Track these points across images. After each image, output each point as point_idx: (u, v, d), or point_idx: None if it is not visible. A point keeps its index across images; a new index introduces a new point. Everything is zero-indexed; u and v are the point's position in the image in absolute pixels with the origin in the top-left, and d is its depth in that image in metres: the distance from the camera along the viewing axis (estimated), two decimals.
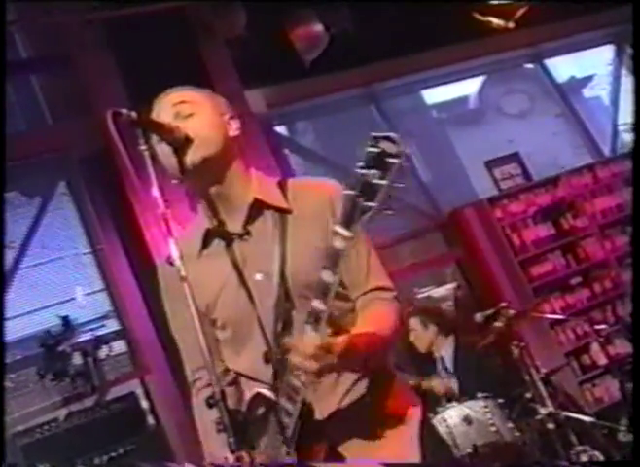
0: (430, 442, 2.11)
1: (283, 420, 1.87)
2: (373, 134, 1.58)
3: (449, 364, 5.00)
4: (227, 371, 2.11)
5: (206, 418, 2.01)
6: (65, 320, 5.10)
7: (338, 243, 1.66)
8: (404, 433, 2.04)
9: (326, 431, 1.94)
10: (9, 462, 4.44)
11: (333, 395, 1.99)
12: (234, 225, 2.05)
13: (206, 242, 2.07)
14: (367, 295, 2.05)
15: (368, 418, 2.01)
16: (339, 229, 1.65)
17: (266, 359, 1.95)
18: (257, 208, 2.03)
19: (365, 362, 1.93)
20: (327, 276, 1.70)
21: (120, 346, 5.45)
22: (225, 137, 2.04)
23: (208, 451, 2.09)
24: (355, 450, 1.98)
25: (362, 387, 2.02)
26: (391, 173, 1.56)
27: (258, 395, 1.95)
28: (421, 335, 5.16)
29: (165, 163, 2.00)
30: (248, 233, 2.03)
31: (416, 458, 2.01)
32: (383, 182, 1.57)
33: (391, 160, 1.56)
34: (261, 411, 1.94)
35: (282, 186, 2.10)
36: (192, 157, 1.96)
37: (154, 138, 1.98)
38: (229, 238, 2.04)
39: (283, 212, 2.03)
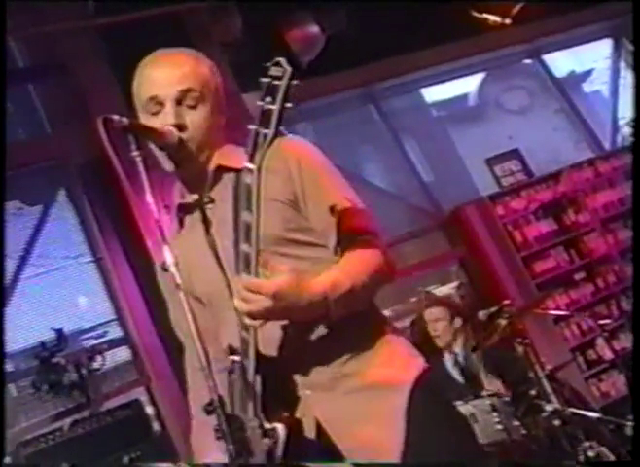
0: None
1: (245, 378, 1.82)
2: (266, 64, 1.62)
3: (462, 361, 4.94)
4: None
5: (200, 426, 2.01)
6: (59, 332, 5.10)
7: (247, 178, 1.66)
8: (388, 401, 1.87)
9: (294, 388, 1.87)
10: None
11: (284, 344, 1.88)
12: (199, 194, 2.01)
13: (181, 221, 2.05)
14: (342, 243, 1.91)
15: (345, 381, 1.88)
16: (246, 164, 1.65)
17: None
18: (219, 174, 1.99)
19: (323, 309, 1.77)
20: (245, 216, 1.68)
21: (123, 354, 5.44)
22: (218, 128, 2.03)
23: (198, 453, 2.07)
24: (336, 421, 1.87)
25: (327, 333, 1.87)
26: (278, 96, 1.59)
27: (233, 363, 1.89)
28: (447, 327, 5.03)
29: (159, 158, 1.98)
30: (212, 201, 1.99)
31: (396, 435, 1.84)
32: (274, 106, 1.59)
33: (277, 82, 1.59)
34: (233, 378, 1.88)
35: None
36: (184, 153, 1.95)
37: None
38: (195, 209, 2.01)
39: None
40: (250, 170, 1.65)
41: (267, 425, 1.81)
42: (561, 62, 8.21)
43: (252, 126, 1.63)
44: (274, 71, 1.60)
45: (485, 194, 6.77)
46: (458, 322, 5.06)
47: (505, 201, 6.67)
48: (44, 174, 5.67)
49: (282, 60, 1.60)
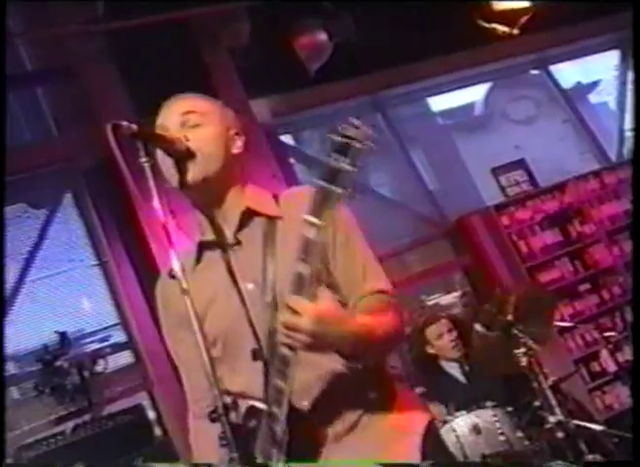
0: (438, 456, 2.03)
1: (273, 427, 1.83)
2: (341, 125, 1.60)
3: (469, 372, 4.91)
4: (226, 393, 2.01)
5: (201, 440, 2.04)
6: (63, 335, 5.10)
7: (310, 233, 1.65)
8: (403, 443, 1.96)
9: (318, 436, 1.90)
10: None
11: (312, 393, 1.92)
12: (226, 236, 2.02)
13: (199, 256, 2.05)
14: (364, 300, 1.96)
15: (363, 426, 1.95)
16: (309, 217, 1.64)
17: (255, 356, 1.90)
18: (248, 217, 2.01)
19: (351, 348, 1.79)
20: (302, 268, 1.67)
21: (126, 358, 5.44)
22: (227, 154, 2.02)
23: None
24: (351, 458, 1.92)
25: (340, 387, 1.92)
26: (352, 157, 1.57)
27: (251, 408, 1.92)
28: (451, 340, 4.90)
29: (166, 174, 1.99)
30: (238, 242, 2.01)
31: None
32: (346, 166, 1.58)
33: (352, 143, 1.58)
34: (254, 423, 1.91)
35: (276, 196, 2.09)
36: (193, 174, 1.95)
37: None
38: (220, 249, 2.02)
39: (273, 219, 2.00)
40: (314, 225, 1.64)
41: None
42: (568, 73, 8.21)
43: (321, 182, 1.61)
44: (350, 131, 1.59)
45: (491, 203, 6.76)
46: (457, 333, 5.04)
47: (510, 211, 6.66)
48: (50, 178, 5.67)
49: (357, 122, 1.59)
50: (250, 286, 1.95)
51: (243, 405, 1.97)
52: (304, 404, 1.90)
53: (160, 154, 1.96)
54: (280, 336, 1.73)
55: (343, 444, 1.93)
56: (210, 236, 2.04)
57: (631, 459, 3.25)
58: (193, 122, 2.00)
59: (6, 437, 4.67)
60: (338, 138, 1.59)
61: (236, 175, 2.06)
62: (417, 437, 1.97)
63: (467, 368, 4.85)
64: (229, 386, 1.96)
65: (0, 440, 4.51)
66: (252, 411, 1.92)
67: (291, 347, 1.74)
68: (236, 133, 2.08)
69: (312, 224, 1.64)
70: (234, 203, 2.02)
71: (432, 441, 2.00)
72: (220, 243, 2.02)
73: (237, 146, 2.07)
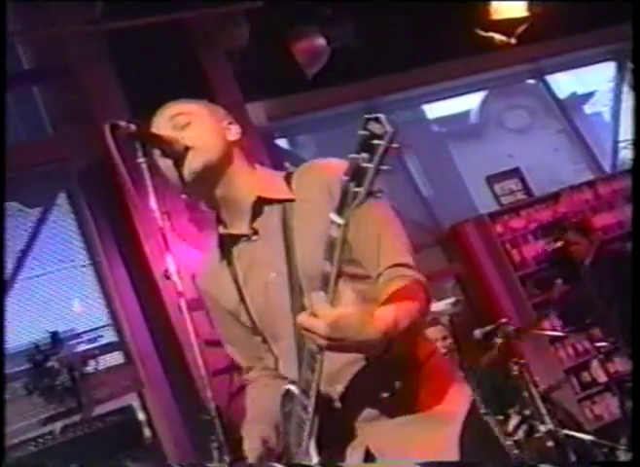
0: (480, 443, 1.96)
1: (302, 416, 1.85)
2: (365, 116, 1.55)
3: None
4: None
5: (257, 406, 2.12)
6: (54, 335, 5.08)
7: (333, 232, 1.63)
8: (442, 432, 1.92)
9: (351, 423, 1.91)
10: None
11: (341, 380, 1.92)
12: (242, 226, 2.03)
13: (222, 250, 2.07)
14: (384, 274, 1.92)
15: (398, 412, 1.92)
16: (333, 216, 1.62)
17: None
18: (260, 206, 2.00)
19: (384, 345, 1.74)
20: (326, 266, 1.66)
21: (117, 359, 5.43)
22: (224, 142, 2.02)
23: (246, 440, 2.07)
24: (388, 450, 1.90)
25: (370, 372, 1.91)
26: (376, 155, 1.52)
27: (287, 392, 1.95)
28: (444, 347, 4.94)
29: (169, 177, 1.98)
30: (256, 232, 2.01)
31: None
32: (370, 165, 1.53)
33: (376, 141, 1.52)
34: (288, 408, 1.93)
35: (288, 177, 2.07)
36: (192, 165, 1.94)
37: (156, 153, 1.96)
38: (240, 240, 2.04)
39: (287, 202, 2.00)
40: (338, 224, 1.62)
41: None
42: (564, 83, 8.24)
43: (344, 178, 1.58)
44: (374, 127, 1.53)
45: (484, 211, 6.78)
46: (450, 340, 5.04)
47: (504, 220, 6.67)
48: (44, 177, 5.65)
49: (383, 118, 1.53)
50: (273, 275, 1.97)
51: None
52: (337, 390, 1.91)
53: (160, 159, 1.97)
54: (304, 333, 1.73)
55: (378, 430, 1.92)
56: (227, 230, 2.06)
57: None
58: (182, 122, 2.00)
59: (6, 435, 4.66)
60: (363, 133, 1.54)
61: (240, 162, 2.05)
62: (457, 422, 1.94)
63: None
64: (279, 367, 2.08)
65: (0, 439, 4.49)
66: (288, 394, 1.94)
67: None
68: (230, 123, 2.09)
69: (335, 223, 1.62)
70: (245, 193, 2.01)
71: (473, 425, 1.95)
72: (237, 235, 2.04)
73: (233, 133, 2.07)
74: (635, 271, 3.56)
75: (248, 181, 2.03)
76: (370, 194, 1.55)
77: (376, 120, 1.52)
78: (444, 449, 1.88)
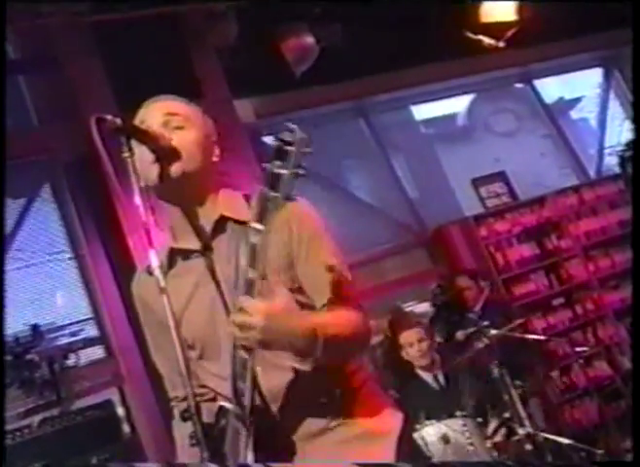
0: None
1: (237, 426, 1.86)
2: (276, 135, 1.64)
3: (443, 381, 4.90)
4: (203, 387, 2.08)
5: (180, 434, 2.03)
6: (34, 328, 5.05)
7: (253, 238, 1.68)
8: (378, 447, 1.98)
9: (290, 439, 1.93)
10: None
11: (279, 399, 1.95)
12: (198, 241, 2.03)
13: (171, 262, 2.06)
14: (325, 307, 1.97)
15: (336, 428, 1.97)
16: (253, 223, 1.67)
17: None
18: (222, 224, 2.01)
19: (311, 343, 1.79)
20: (249, 273, 1.72)
21: (97, 353, 5.40)
22: (207, 160, 2.04)
23: None
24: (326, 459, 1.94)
25: (317, 389, 1.95)
26: (290, 160, 1.60)
27: (221, 408, 1.94)
28: (425, 348, 4.96)
29: (142, 169, 1.94)
30: (210, 249, 2.02)
31: None
32: (284, 171, 1.60)
33: (289, 148, 1.61)
34: (223, 423, 1.93)
35: (248, 198, 2.06)
36: (174, 168, 1.94)
37: (133, 142, 1.94)
38: (193, 255, 2.03)
39: (245, 223, 1.98)
40: (257, 230, 1.67)
41: None
42: (551, 88, 8.27)
43: (261, 187, 1.64)
44: (286, 136, 1.62)
45: (470, 214, 6.79)
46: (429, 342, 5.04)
47: (489, 223, 6.69)
48: (29, 168, 5.61)
49: (295, 127, 1.63)
50: (218, 291, 1.97)
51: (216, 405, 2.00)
52: (274, 408, 1.93)
53: (137, 148, 1.94)
54: (235, 337, 1.76)
55: (317, 446, 1.94)
56: (183, 244, 2.04)
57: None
58: (176, 123, 2.00)
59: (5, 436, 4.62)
60: (277, 144, 1.62)
61: (212, 183, 2.07)
62: (392, 439, 2.01)
63: (439, 377, 4.86)
64: (208, 383, 2.03)
65: (0, 439, 4.46)
66: (222, 411, 1.94)
67: (247, 348, 1.77)
68: (214, 142, 2.10)
69: (256, 230, 1.67)
70: (209, 211, 2.03)
71: (406, 443, 2.04)
72: (191, 250, 2.03)
73: (215, 154, 2.09)
74: (635, 271, 3.59)
75: (214, 200, 2.05)
76: (287, 198, 1.62)
77: (289, 130, 1.62)
78: (381, 455, 1.96)
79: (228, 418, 1.91)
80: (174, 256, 2.06)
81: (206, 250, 2.02)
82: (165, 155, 1.94)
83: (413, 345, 4.85)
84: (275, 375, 1.92)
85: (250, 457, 1.85)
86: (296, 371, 1.92)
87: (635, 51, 3.76)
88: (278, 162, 1.61)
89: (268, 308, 1.72)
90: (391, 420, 2.06)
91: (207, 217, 2.02)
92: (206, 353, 2.03)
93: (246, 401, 1.83)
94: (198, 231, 2.03)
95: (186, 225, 2.04)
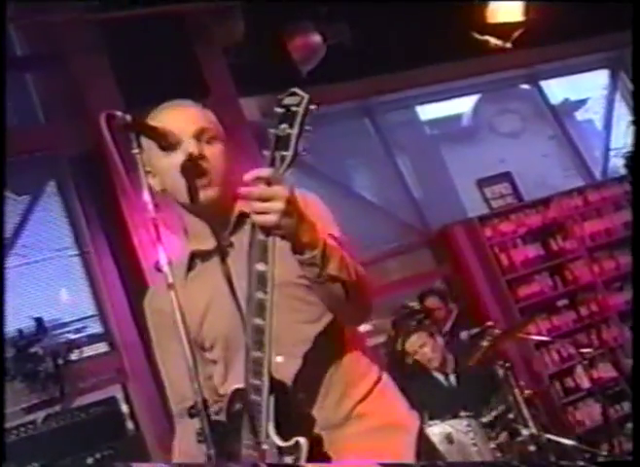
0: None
1: (256, 400, 1.83)
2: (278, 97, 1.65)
3: (454, 381, 4.91)
4: (219, 397, 2.04)
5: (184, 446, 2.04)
6: (39, 321, 5.05)
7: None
8: (399, 439, 2.00)
9: (309, 430, 1.90)
10: None
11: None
12: (216, 241, 2.03)
13: (191, 265, 2.05)
14: None
15: (355, 421, 1.98)
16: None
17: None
18: (241, 220, 2.01)
19: (320, 251, 1.75)
20: (260, 266, 1.73)
21: (101, 350, 5.41)
22: (231, 175, 2.03)
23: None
24: (345, 456, 1.92)
25: (333, 378, 1.97)
26: (296, 120, 1.62)
27: (235, 392, 1.92)
28: (434, 349, 4.96)
29: (169, 182, 1.98)
30: (231, 245, 2.02)
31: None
32: (292, 131, 1.62)
33: (294, 108, 1.62)
34: (238, 407, 1.91)
35: None
36: (210, 193, 1.96)
37: (160, 154, 1.95)
38: (214, 255, 2.03)
39: None
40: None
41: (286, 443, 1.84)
42: (557, 89, 8.25)
43: (266, 152, 1.64)
44: (289, 100, 1.62)
45: (474, 215, 6.79)
46: (440, 340, 5.06)
47: (493, 224, 6.68)
48: (35, 164, 5.62)
49: (297, 90, 1.63)
50: (242, 287, 1.93)
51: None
52: (293, 397, 1.90)
53: (167, 161, 1.96)
54: (255, 217, 1.72)
55: (339, 436, 1.95)
56: (204, 245, 2.04)
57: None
58: (207, 136, 2.00)
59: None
60: (278, 109, 1.63)
61: (235, 186, 2.04)
62: (412, 434, 2.02)
63: (451, 377, 4.88)
64: (225, 387, 2.00)
65: (0, 439, 4.46)
66: (237, 394, 1.91)
67: (266, 230, 1.72)
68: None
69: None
70: (227, 210, 2.02)
71: (426, 441, 2.07)
72: (215, 250, 2.03)
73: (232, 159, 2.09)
74: (635, 271, 3.58)
75: (230, 197, 2.02)
76: (296, 155, 1.63)
77: (291, 94, 1.63)
78: (402, 453, 1.96)
79: (244, 399, 1.89)
80: (195, 257, 2.05)
81: (227, 248, 2.02)
82: (198, 174, 1.95)
83: (417, 352, 4.89)
84: (293, 363, 1.92)
85: (272, 429, 1.83)
86: (314, 360, 1.93)
87: (635, 51, 3.76)
88: (284, 125, 1.62)
89: (289, 194, 1.68)
90: (409, 416, 2.08)
91: (226, 216, 2.02)
92: (227, 354, 2.02)
93: (265, 370, 1.79)
94: (217, 231, 2.03)
95: (204, 227, 2.03)
